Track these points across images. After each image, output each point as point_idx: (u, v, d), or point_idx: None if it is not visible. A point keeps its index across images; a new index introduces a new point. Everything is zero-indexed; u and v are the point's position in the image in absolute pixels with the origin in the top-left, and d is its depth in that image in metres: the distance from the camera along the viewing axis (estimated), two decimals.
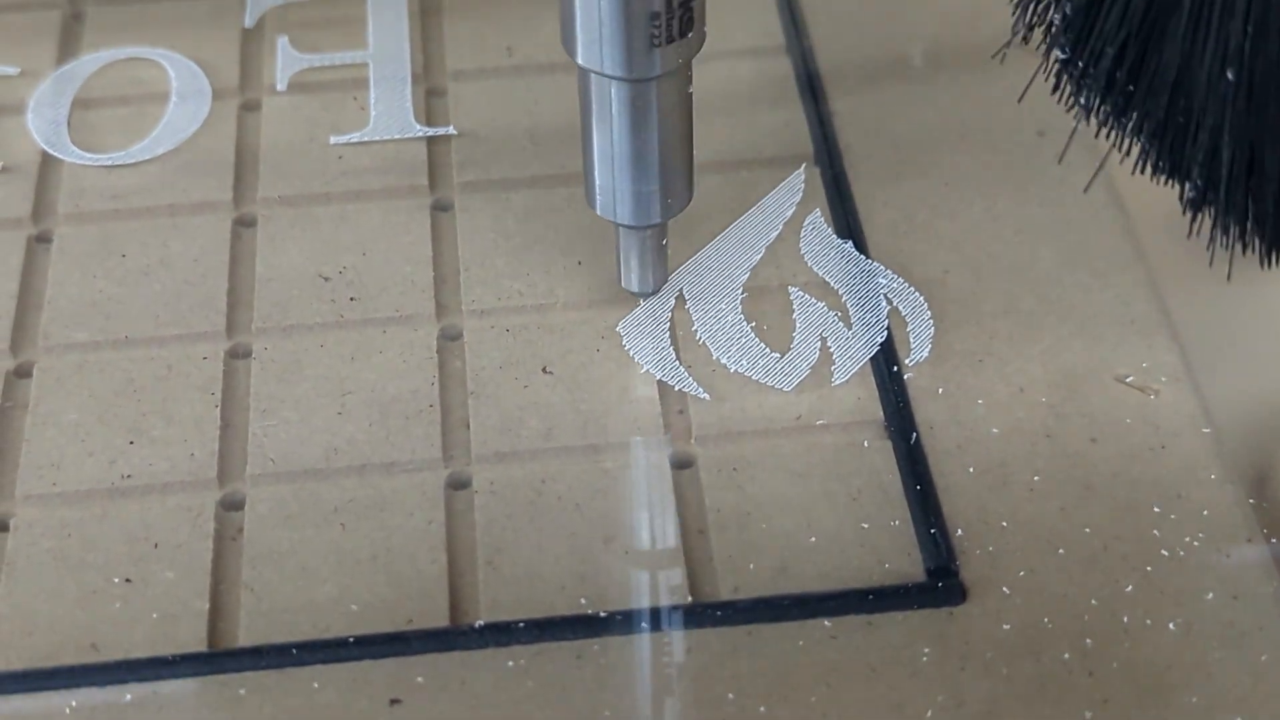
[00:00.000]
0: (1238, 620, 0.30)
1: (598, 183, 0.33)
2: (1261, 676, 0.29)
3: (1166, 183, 0.32)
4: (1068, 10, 0.31)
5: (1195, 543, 0.31)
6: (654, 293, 0.35)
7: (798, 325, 0.35)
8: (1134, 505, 0.32)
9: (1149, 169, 0.32)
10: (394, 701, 0.29)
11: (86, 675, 0.30)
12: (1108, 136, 0.32)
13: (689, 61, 0.31)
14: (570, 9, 0.30)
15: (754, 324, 0.35)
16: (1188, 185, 0.32)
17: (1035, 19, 0.32)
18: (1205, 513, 0.31)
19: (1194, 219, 0.32)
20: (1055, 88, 0.32)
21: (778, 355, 0.34)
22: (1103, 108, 0.32)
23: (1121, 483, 0.32)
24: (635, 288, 0.35)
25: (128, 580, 0.31)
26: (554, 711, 0.29)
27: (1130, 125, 0.32)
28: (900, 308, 0.35)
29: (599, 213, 0.33)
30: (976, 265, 0.36)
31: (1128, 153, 0.32)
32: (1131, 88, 0.31)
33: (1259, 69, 0.29)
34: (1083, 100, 0.32)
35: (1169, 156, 0.32)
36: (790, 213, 0.37)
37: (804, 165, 0.38)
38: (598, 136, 0.32)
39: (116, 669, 0.30)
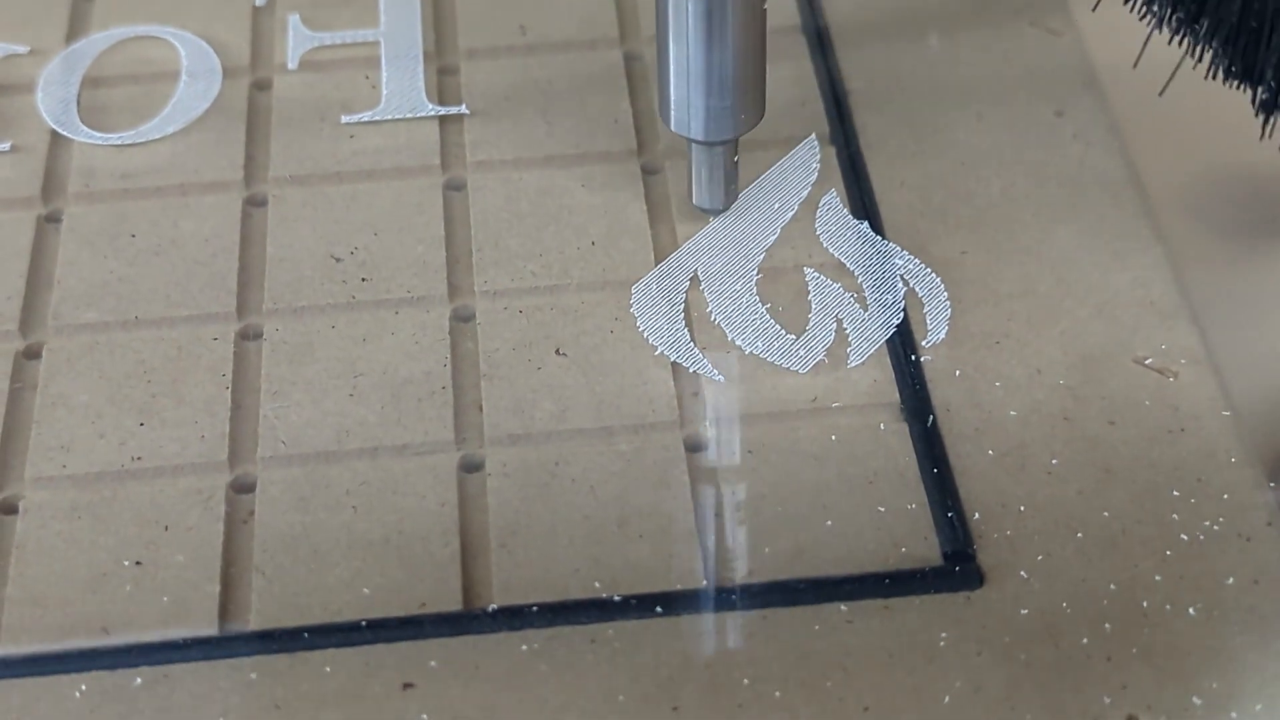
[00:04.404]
0: (1258, 605, 0.30)
1: (672, 98, 0.33)
2: None
3: (1239, 86, 0.33)
4: None
5: (1215, 527, 0.31)
6: (723, 210, 0.36)
7: (813, 307, 0.34)
8: (1153, 489, 0.31)
9: (1220, 75, 0.33)
10: (407, 685, 0.29)
11: (97, 658, 0.30)
12: (1180, 44, 0.33)
13: None
14: None
15: (769, 305, 0.35)
16: (1260, 89, 0.32)
17: None
18: (1225, 496, 0.31)
19: (1266, 122, 0.33)
20: None
21: (793, 337, 0.34)
22: (1175, 15, 0.32)
23: (1140, 466, 0.32)
24: (706, 204, 0.36)
25: (138, 563, 0.31)
26: (567, 696, 0.29)
27: (1202, 32, 0.32)
28: (917, 289, 0.35)
29: (673, 129, 0.34)
30: (994, 246, 0.36)
31: (1199, 59, 0.33)
32: None
33: None
34: (1155, 9, 0.33)
35: (1241, 61, 0.32)
36: (806, 193, 0.37)
37: (816, 140, 0.38)
38: (674, 52, 0.32)
39: (127, 652, 0.30)
